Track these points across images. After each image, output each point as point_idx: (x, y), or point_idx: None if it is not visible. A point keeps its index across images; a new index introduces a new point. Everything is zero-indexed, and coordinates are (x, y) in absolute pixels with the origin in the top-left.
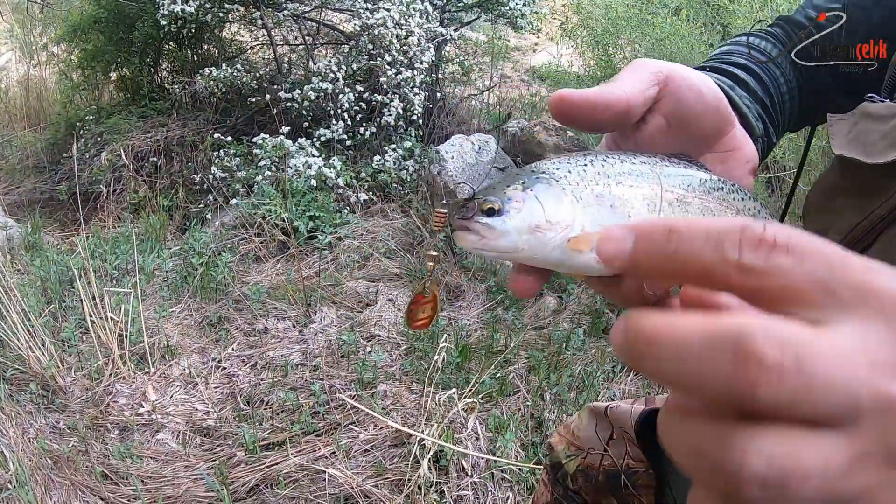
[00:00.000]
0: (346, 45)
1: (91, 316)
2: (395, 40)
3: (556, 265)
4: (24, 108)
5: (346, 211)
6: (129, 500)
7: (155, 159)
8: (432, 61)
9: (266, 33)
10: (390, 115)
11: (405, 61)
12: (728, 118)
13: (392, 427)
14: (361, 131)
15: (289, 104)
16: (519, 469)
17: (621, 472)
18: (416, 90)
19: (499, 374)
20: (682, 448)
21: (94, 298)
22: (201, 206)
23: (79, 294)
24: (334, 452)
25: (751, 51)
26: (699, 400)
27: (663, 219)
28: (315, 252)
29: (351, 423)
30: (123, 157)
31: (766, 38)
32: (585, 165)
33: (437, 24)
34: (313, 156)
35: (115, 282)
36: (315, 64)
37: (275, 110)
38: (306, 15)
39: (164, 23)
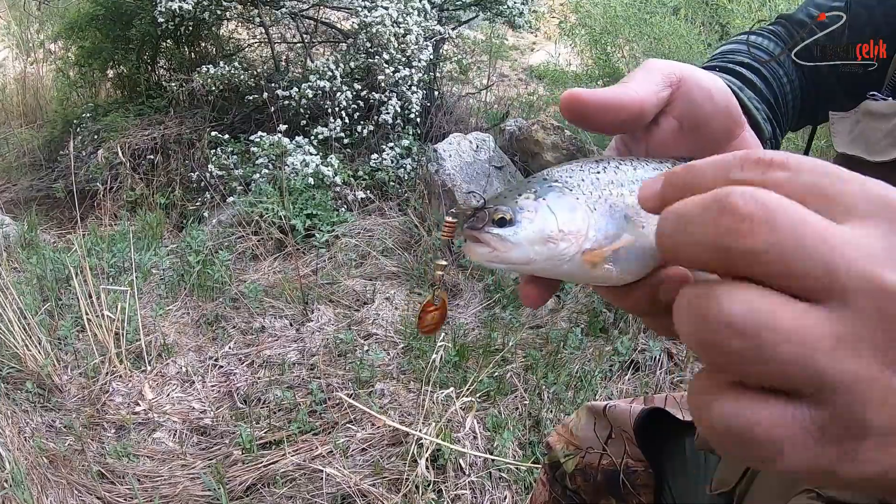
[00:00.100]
0: (343, 44)
1: (87, 314)
2: (393, 38)
3: (569, 277)
4: (21, 105)
5: (343, 209)
6: (125, 500)
7: (152, 157)
8: (430, 60)
9: (264, 31)
10: (388, 113)
11: (403, 59)
12: (738, 121)
13: (390, 426)
14: (359, 129)
15: (286, 102)
16: (517, 468)
17: (620, 471)
18: (413, 88)
19: (496, 373)
20: (680, 313)
21: (90, 297)
22: (198, 204)
23: (75, 292)
24: (331, 451)
25: (751, 49)
26: (699, 267)
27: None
28: (312, 250)
29: (348, 422)
30: (120, 154)
31: (767, 37)
32: (598, 173)
33: (435, 22)
34: (311, 154)
35: (111, 280)
36: (313, 62)
37: (272, 108)
38: (304, 13)
39: (161, 20)
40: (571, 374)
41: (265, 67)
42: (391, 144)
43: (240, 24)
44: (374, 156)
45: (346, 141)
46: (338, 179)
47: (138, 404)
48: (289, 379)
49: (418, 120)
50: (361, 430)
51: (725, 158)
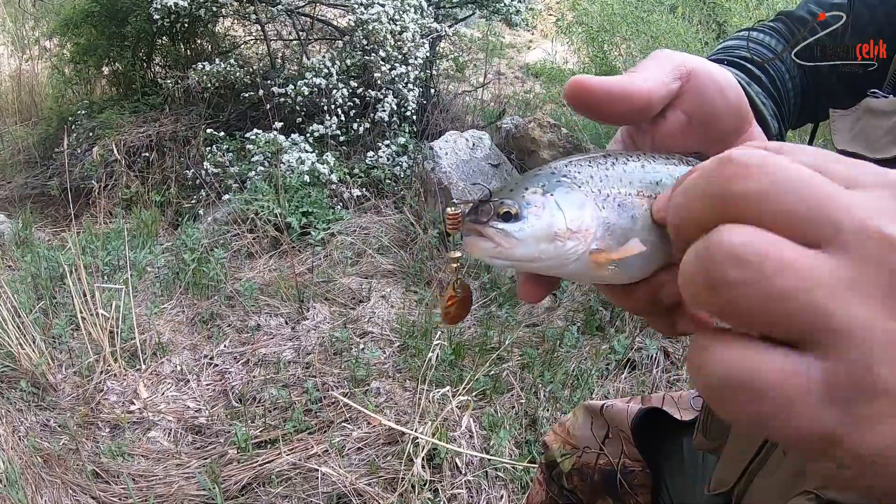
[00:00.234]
0: (339, 41)
1: (82, 312)
2: (389, 36)
3: (573, 276)
4: (16, 102)
5: (339, 207)
6: (120, 499)
7: (147, 154)
8: (427, 57)
9: (260, 28)
10: (384, 110)
11: (399, 57)
12: (747, 117)
13: (385, 425)
14: (355, 127)
15: (282, 99)
16: (513, 467)
17: (617, 471)
18: (410, 86)
19: (493, 372)
20: (687, 258)
21: (84, 295)
22: (193, 201)
23: (70, 290)
24: (327, 450)
25: (750, 44)
26: (701, 223)
27: None
28: (308, 248)
29: (344, 421)
30: (115, 152)
31: (769, 33)
32: (607, 169)
33: (432, 19)
34: (306, 151)
35: (106, 278)
36: (309, 59)
37: (268, 106)
38: (300, 10)
39: (157, 17)
40: (568, 372)
41: (261, 64)
42: (387, 142)
43: (236, 20)
44: (370, 153)
45: (342, 138)
46: (333, 177)
47: (133, 403)
48: (284, 377)
49: (414, 118)
50: (357, 429)
51: (706, 163)
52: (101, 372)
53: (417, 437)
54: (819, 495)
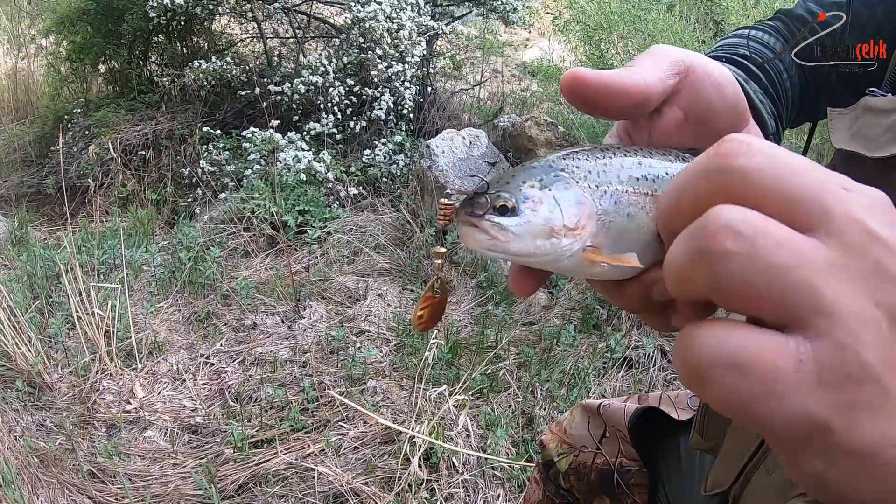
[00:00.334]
0: (336, 39)
1: (78, 312)
2: (386, 34)
3: (567, 272)
4: (12, 101)
5: (335, 205)
6: (116, 499)
7: (143, 153)
8: (423, 55)
9: (256, 26)
10: (381, 109)
11: (396, 55)
12: (744, 114)
13: (382, 424)
14: (352, 125)
15: (278, 98)
16: (510, 466)
17: (614, 470)
18: (406, 84)
19: (489, 371)
20: (682, 236)
21: (80, 294)
22: (190, 200)
23: (65, 289)
24: (324, 450)
25: (749, 42)
26: (696, 204)
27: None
28: (304, 247)
29: (340, 420)
30: (111, 150)
31: (768, 32)
32: (605, 164)
33: (429, 17)
34: (303, 150)
35: (102, 277)
36: (305, 57)
37: (264, 104)
38: (297, 8)
39: (153, 15)
40: (565, 371)
41: (257, 63)
42: (384, 140)
43: (232, 18)
44: (367, 152)
45: (338, 137)
46: (330, 175)
47: (129, 403)
48: (280, 377)
49: (411, 116)
50: (354, 428)
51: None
52: (97, 371)
53: (414, 437)
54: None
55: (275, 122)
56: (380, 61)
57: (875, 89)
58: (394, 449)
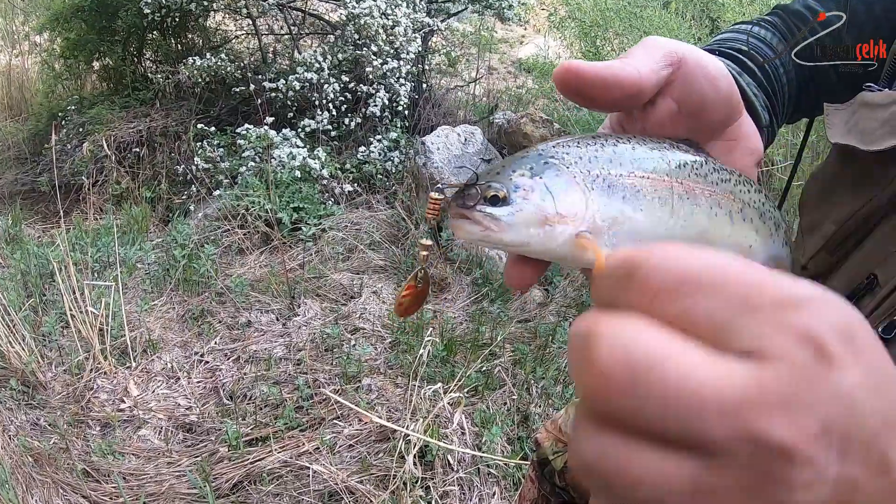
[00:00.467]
0: (331, 35)
1: (71, 310)
2: (381, 30)
3: (562, 259)
4: (6, 98)
5: (330, 202)
6: (111, 498)
7: (138, 150)
8: (419, 52)
9: (251, 22)
10: (376, 105)
11: (391, 52)
12: (738, 106)
13: (377, 422)
14: (346, 122)
15: (273, 94)
16: (505, 464)
17: None
18: (402, 81)
19: (484, 368)
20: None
21: (74, 292)
22: (184, 197)
23: (59, 288)
24: (318, 448)
25: (750, 39)
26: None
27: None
28: (299, 244)
29: (335, 418)
30: (106, 147)
31: (766, 27)
32: (596, 150)
33: (424, 14)
34: (298, 146)
35: (96, 275)
36: (300, 54)
37: (259, 101)
38: (291, 4)
39: (147, 11)
40: (560, 368)
41: (252, 59)
42: (379, 137)
43: (227, 15)
44: (362, 148)
45: (333, 133)
46: (325, 172)
47: (123, 401)
48: (275, 374)
49: (406, 112)
50: (348, 426)
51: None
52: (91, 370)
53: (409, 435)
54: None
55: (269, 119)
56: (375, 58)
57: (871, 84)
58: (389, 447)
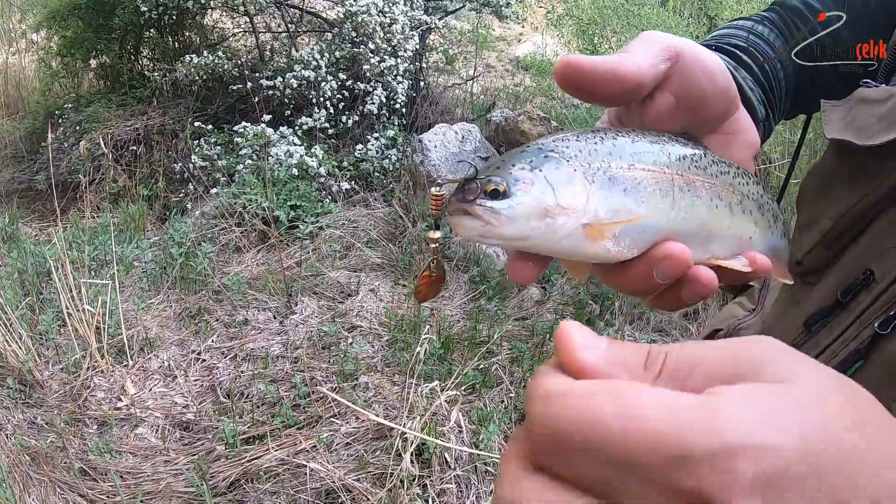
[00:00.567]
0: (329, 33)
1: (68, 308)
2: (378, 28)
3: (564, 253)
4: (3, 96)
5: (327, 200)
6: (108, 497)
7: (135, 148)
8: (416, 50)
9: (248, 20)
10: (373, 103)
11: (389, 49)
12: (735, 100)
13: (374, 420)
14: (344, 120)
15: (270, 92)
16: None
17: None
18: (399, 79)
19: (482, 366)
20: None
21: (71, 291)
22: (181, 195)
23: (56, 286)
24: (315, 446)
25: (750, 36)
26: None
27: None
28: (296, 242)
29: (332, 416)
30: (102, 145)
31: (763, 23)
32: (596, 143)
33: (422, 12)
34: (295, 144)
35: (93, 273)
36: (297, 51)
37: (256, 98)
38: (289, 2)
39: (144, 9)
40: None
41: (249, 57)
42: (376, 135)
43: (224, 13)
44: (359, 146)
45: (330, 131)
46: (322, 170)
47: (120, 400)
48: (272, 373)
49: (404, 110)
50: (345, 424)
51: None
52: (88, 368)
53: (406, 433)
54: None
55: (267, 117)
56: (372, 56)
57: (869, 80)
58: (386, 445)
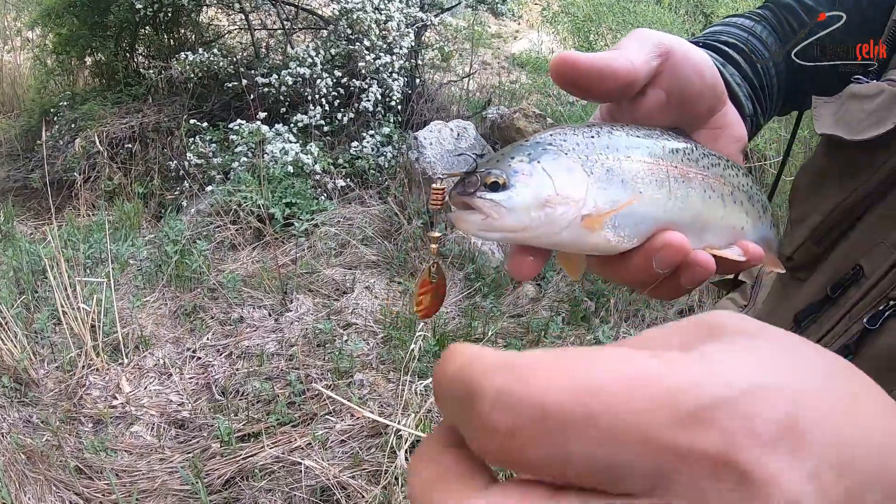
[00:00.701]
0: (324, 30)
1: (63, 307)
2: (374, 25)
3: (565, 244)
4: None
5: (323, 198)
6: (103, 495)
7: (130, 146)
8: (412, 47)
9: (244, 17)
10: (368, 100)
11: (384, 46)
12: (722, 96)
13: (369, 417)
14: (339, 117)
15: (266, 89)
16: None
17: None
18: (394, 76)
19: None
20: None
21: (66, 289)
22: (177, 193)
23: (51, 284)
24: (310, 443)
25: (750, 38)
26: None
27: None
28: (291, 239)
29: (327, 414)
30: (98, 143)
31: (756, 20)
32: (593, 137)
33: (417, 8)
34: (290, 142)
35: (88, 271)
36: (293, 48)
37: (251, 96)
38: None
39: (139, 6)
40: None
41: (245, 54)
42: (372, 132)
43: (219, 10)
44: (355, 144)
45: (325, 129)
46: (317, 167)
47: (115, 398)
48: (267, 370)
49: (399, 107)
50: (340, 421)
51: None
52: (84, 366)
53: (401, 430)
54: None
55: (262, 114)
56: (368, 53)
57: (860, 76)
58: (380, 442)
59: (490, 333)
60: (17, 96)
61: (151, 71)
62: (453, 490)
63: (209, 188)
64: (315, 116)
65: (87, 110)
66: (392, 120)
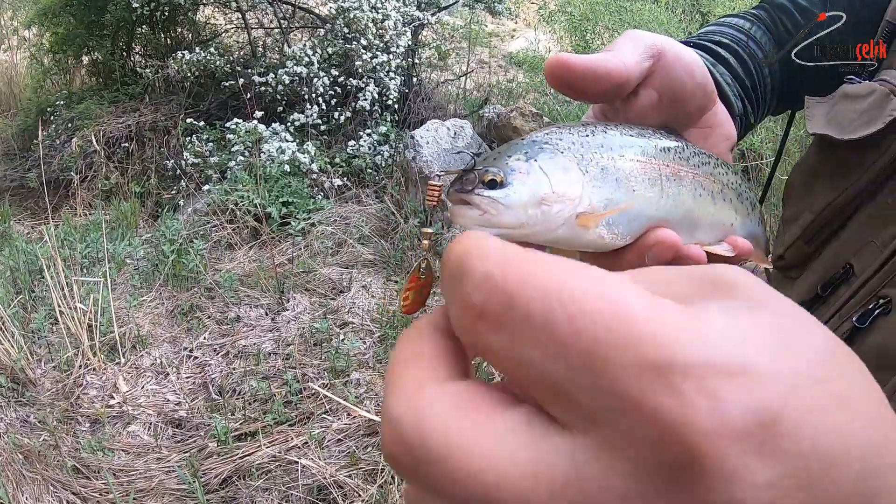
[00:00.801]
0: (321, 29)
1: (60, 306)
2: (371, 24)
3: (560, 242)
4: None
5: (319, 197)
6: (100, 494)
7: (127, 145)
8: (409, 46)
9: (241, 16)
10: (365, 99)
11: (381, 45)
12: (712, 95)
13: (365, 417)
14: (336, 116)
15: (263, 88)
16: None
17: None
18: (391, 75)
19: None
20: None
21: (63, 288)
22: (174, 192)
23: (48, 284)
24: (307, 443)
25: (749, 40)
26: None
27: None
28: (288, 238)
29: (324, 413)
30: (94, 142)
31: (751, 21)
32: (587, 136)
33: (415, 7)
34: (287, 141)
35: (85, 271)
36: (290, 47)
37: (248, 95)
38: None
39: (136, 5)
40: None
41: (242, 53)
42: (368, 131)
43: (216, 9)
44: (352, 142)
45: (322, 128)
46: (314, 166)
47: (112, 397)
48: (264, 369)
49: (396, 106)
50: (337, 420)
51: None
52: (80, 366)
53: None
54: None
55: (259, 114)
56: (364, 52)
57: (853, 77)
58: (377, 441)
59: None
60: (14, 95)
61: (148, 70)
62: (415, 372)
63: (206, 187)
64: (312, 115)
65: (84, 109)
66: (389, 119)
